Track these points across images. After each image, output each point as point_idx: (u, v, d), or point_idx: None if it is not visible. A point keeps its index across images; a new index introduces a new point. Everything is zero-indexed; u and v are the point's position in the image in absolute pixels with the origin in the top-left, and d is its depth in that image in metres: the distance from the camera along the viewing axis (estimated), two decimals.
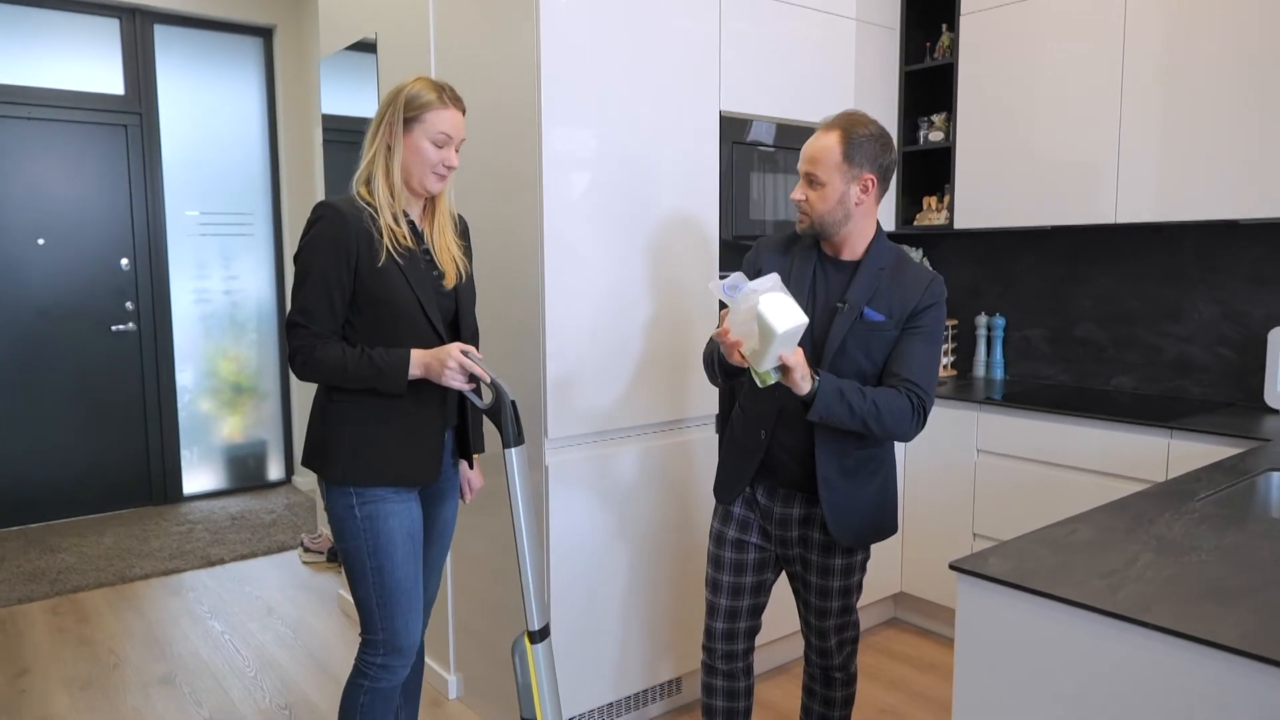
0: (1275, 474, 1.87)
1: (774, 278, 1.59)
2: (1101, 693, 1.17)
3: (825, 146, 1.73)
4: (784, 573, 2.01)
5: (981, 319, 3.44)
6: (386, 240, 1.75)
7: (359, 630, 1.87)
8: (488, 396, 1.79)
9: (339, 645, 3.12)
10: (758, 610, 1.96)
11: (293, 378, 5.12)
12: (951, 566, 1.32)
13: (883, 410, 1.69)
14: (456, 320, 1.90)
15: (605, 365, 2.36)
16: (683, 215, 2.50)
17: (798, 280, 1.81)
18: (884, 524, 1.89)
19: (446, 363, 1.73)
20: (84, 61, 4.58)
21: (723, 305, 1.67)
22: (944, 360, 3.54)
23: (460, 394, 1.88)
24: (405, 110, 1.76)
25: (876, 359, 1.78)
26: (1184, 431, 2.46)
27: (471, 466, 2.05)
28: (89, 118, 4.57)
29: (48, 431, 4.54)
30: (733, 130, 2.62)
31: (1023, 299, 3.39)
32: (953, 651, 3.04)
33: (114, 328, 4.70)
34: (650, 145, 2.40)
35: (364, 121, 2.96)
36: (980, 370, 3.46)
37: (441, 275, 1.85)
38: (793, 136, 2.77)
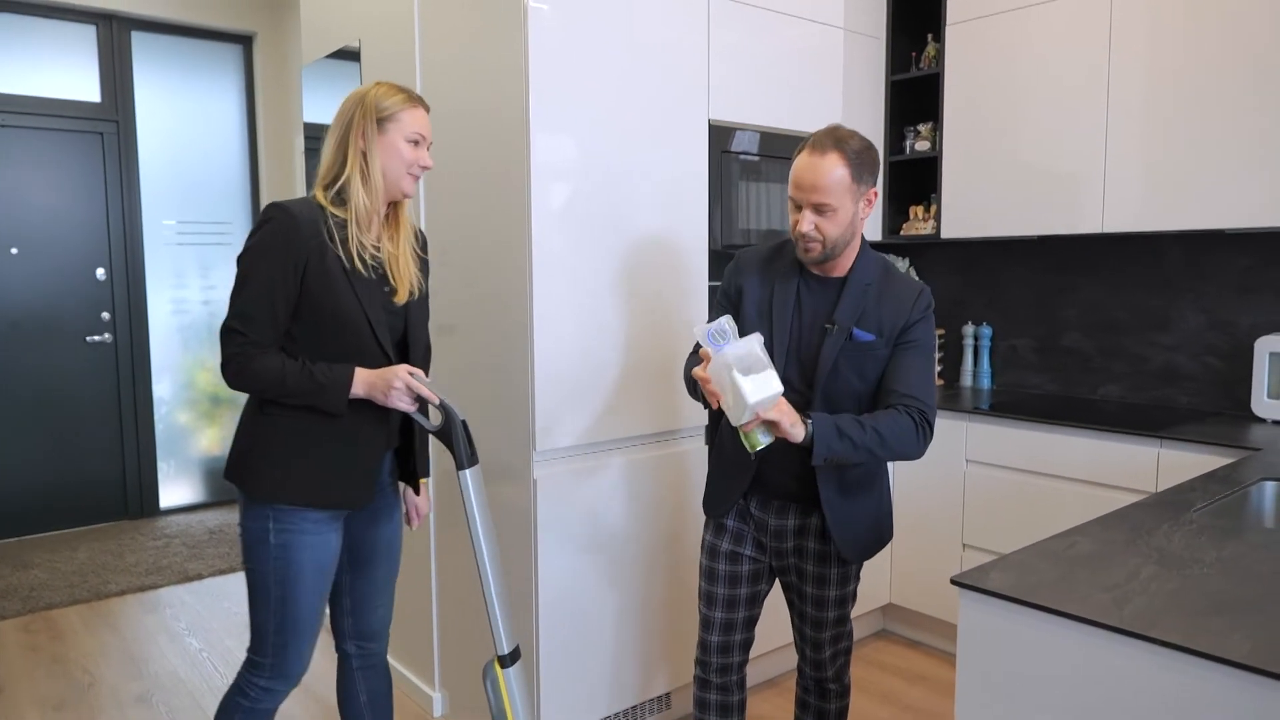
0: (1269, 484, 1.86)
1: (756, 340, 1.56)
2: (1108, 708, 1.15)
3: (832, 171, 1.65)
4: (777, 585, 1.99)
5: (969, 329, 3.44)
6: (354, 250, 1.69)
7: (247, 645, 1.80)
8: (436, 418, 1.74)
9: (320, 661, 3.04)
10: (752, 622, 1.93)
11: None
12: (953, 581, 1.30)
13: (886, 436, 1.64)
14: (405, 338, 1.83)
15: (594, 376, 2.33)
16: (672, 224, 2.48)
17: (782, 299, 1.78)
18: (883, 534, 1.89)
19: (393, 383, 1.67)
20: (60, 68, 4.50)
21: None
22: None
23: (405, 415, 1.82)
24: (376, 112, 1.72)
25: (869, 378, 1.75)
26: (1174, 441, 2.46)
27: (418, 491, 1.97)
28: (65, 125, 4.50)
29: (20, 444, 4.44)
30: (722, 139, 2.60)
31: (1009, 309, 3.39)
32: (944, 663, 3.03)
33: (89, 338, 4.61)
34: (639, 154, 2.38)
35: None
36: (968, 380, 3.46)
37: (393, 291, 1.78)
38: (782, 145, 2.76)
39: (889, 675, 2.94)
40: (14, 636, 3.32)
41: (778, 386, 1.54)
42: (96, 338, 4.63)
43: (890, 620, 3.31)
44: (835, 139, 1.67)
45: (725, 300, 1.88)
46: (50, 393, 4.51)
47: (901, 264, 3.57)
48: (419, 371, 1.71)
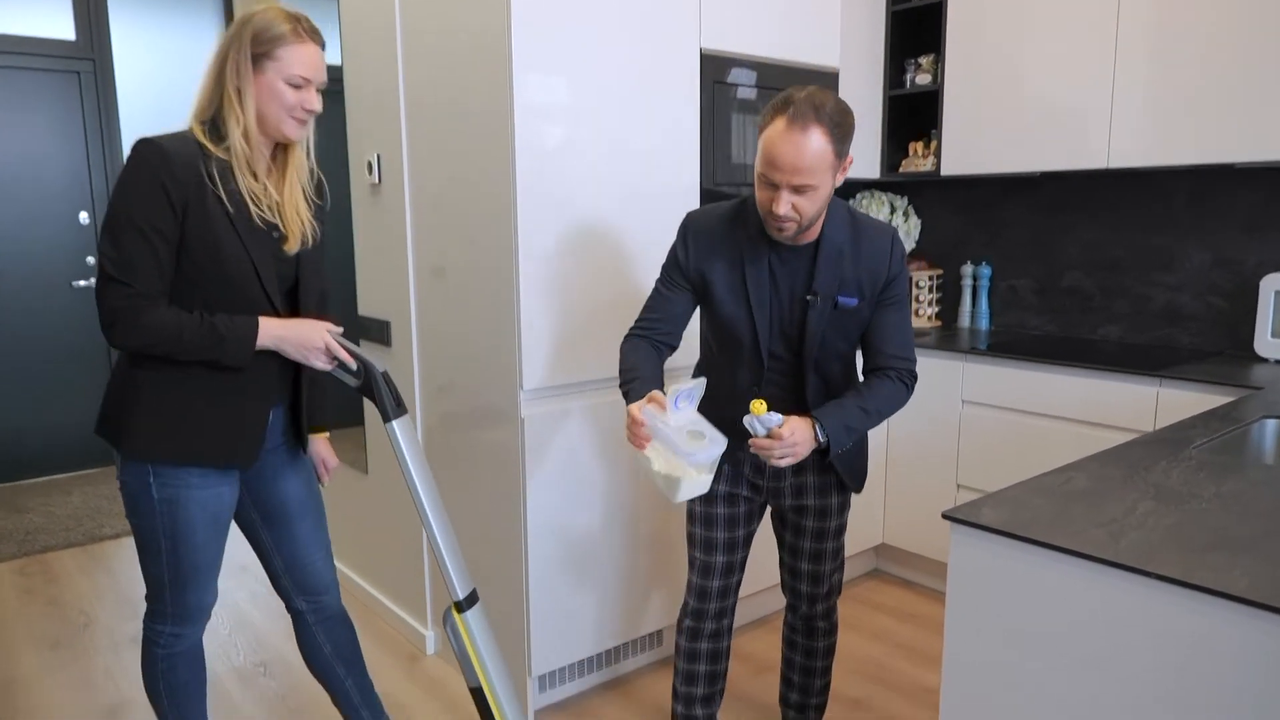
0: (1270, 421, 1.83)
1: (714, 454, 1.53)
2: (1101, 644, 1.12)
3: (815, 148, 1.50)
4: (773, 525, 1.97)
5: (967, 268, 3.38)
6: (245, 195, 1.57)
7: (145, 594, 1.75)
8: (353, 376, 1.68)
9: None
10: (745, 563, 1.93)
11: None
12: (945, 516, 1.27)
13: (884, 410, 1.70)
14: (295, 287, 1.71)
15: (583, 314, 2.28)
16: (663, 160, 2.40)
17: (756, 278, 1.68)
18: (865, 453, 1.89)
19: (315, 344, 1.61)
20: (32, 5, 4.34)
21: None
22: (929, 310, 3.48)
23: (296, 366, 1.73)
24: (253, 45, 1.53)
25: (853, 337, 1.75)
26: (1174, 380, 2.42)
27: (305, 449, 1.85)
28: (38, 64, 4.36)
29: (12, 390, 4.41)
30: (714, 70, 2.51)
31: (1009, 248, 3.33)
32: (935, 602, 3.04)
33: (75, 284, 4.55)
34: (627, 87, 2.29)
35: (330, 68, 2.81)
36: (965, 321, 3.41)
37: (283, 237, 1.64)
38: (777, 77, 2.67)
39: (881, 614, 2.95)
40: (10, 579, 3.32)
41: (706, 490, 1.59)
42: (82, 282, 4.57)
43: (883, 560, 3.31)
44: (814, 107, 1.50)
45: (681, 278, 1.74)
46: (39, 339, 4.46)
47: (900, 203, 3.50)
48: (336, 329, 1.64)
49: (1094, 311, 3.12)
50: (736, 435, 1.78)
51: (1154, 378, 2.46)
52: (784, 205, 1.54)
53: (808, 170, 1.50)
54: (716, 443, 1.54)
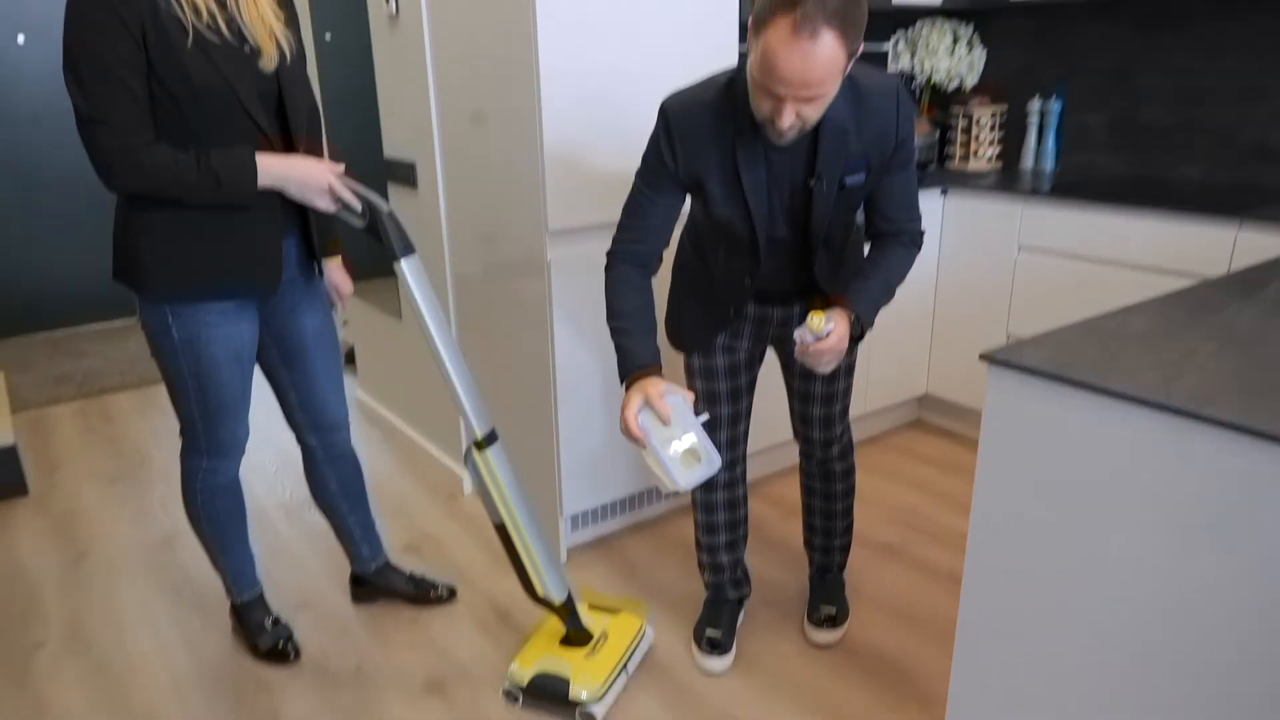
0: None
1: (703, 477, 1.49)
2: (1144, 494, 1.05)
3: (829, 59, 1.28)
4: (783, 374, 1.92)
5: (1035, 104, 3.10)
6: (189, 11, 1.44)
7: (179, 429, 1.78)
8: (353, 218, 1.62)
9: (358, 443, 3.13)
10: (750, 410, 1.88)
11: None
12: (982, 357, 1.17)
13: (901, 277, 1.64)
14: (282, 107, 1.61)
15: (609, 152, 2.15)
16: (698, 20, 2.18)
17: (752, 176, 1.51)
18: None
19: (319, 186, 1.55)
20: None
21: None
22: (989, 151, 3.24)
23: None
24: None
25: (859, 204, 1.63)
26: (1255, 221, 2.21)
27: (320, 273, 1.82)
28: None
29: (67, 237, 4.47)
30: None
31: (1084, 79, 3.03)
32: (977, 453, 2.98)
33: None
34: None
35: None
36: (1029, 161, 3.17)
37: (257, 52, 1.54)
38: None
39: (921, 464, 2.91)
40: (70, 420, 3.47)
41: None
42: None
43: (926, 410, 3.25)
44: (822, 5, 1.24)
45: (668, 179, 1.55)
46: (87, 186, 4.47)
47: (964, 31, 3.19)
48: (339, 168, 1.57)
49: (1174, 149, 2.86)
50: (728, 311, 1.71)
51: (1233, 219, 2.25)
52: (788, 117, 1.36)
53: (817, 82, 1.31)
54: (711, 464, 1.50)
